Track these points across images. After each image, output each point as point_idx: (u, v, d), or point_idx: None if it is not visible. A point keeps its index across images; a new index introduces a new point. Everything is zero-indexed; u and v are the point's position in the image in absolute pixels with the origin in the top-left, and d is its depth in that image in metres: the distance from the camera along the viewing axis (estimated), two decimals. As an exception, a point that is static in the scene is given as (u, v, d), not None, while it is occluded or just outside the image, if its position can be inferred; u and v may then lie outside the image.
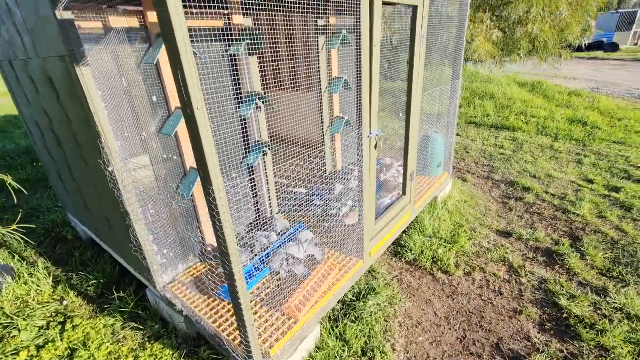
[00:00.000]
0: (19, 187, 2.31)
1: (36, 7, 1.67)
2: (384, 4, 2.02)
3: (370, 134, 2.15)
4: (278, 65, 3.02)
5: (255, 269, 2.28)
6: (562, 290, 2.53)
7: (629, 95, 8.69)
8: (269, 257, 2.41)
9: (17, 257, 3.12)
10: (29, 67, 2.25)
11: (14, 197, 2.77)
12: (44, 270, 2.88)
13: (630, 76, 11.73)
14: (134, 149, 2.00)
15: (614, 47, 20.17)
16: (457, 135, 6.28)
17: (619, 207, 3.59)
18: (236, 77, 2.37)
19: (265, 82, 2.63)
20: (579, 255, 2.90)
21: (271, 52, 2.78)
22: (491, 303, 2.49)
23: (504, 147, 5.53)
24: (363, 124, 2.05)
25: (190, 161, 2.22)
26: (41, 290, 2.75)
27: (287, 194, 3.20)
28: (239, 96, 2.43)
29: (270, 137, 2.73)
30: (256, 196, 2.82)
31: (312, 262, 2.44)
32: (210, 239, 2.51)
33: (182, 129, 2.13)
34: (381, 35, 2.06)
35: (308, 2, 2.02)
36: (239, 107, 2.40)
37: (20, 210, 4.14)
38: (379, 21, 1.94)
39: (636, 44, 21.79)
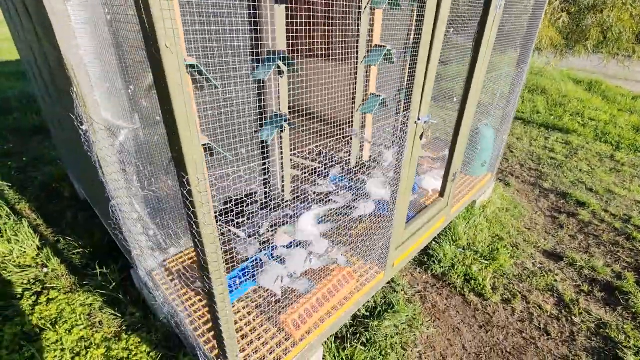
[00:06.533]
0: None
1: None
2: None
3: (419, 119, 1.66)
4: (309, 22, 2.51)
5: (243, 274, 1.89)
6: (628, 342, 2.04)
7: None
8: (274, 256, 2.02)
9: (7, 210, 2.88)
10: (10, -9, 1.86)
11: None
12: (29, 229, 2.62)
13: None
14: (117, 104, 1.60)
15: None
16: (501, 130, 5.59)
17: (697, 241, 2.98)
18: (256, 30, 1.90)
19: (291, 41, 2.14)
20: (648, 297, 2.37)
21: (304, 4, 2.27)
22: (534, 344, 2.04)
23: (555, 150, 4.84)
24: (412, 106, 1.56)
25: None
26: (24, 252, 2.50)
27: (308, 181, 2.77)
28: (257, 55, 1.97)
29: (290, 110, 2.28)
30: (267, 181, 2.41)
31: (321, 273, 2.03)
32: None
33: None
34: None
35: None
36: (255, 69, 1.94)
37: (24, 159, 3.93)
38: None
39: None
